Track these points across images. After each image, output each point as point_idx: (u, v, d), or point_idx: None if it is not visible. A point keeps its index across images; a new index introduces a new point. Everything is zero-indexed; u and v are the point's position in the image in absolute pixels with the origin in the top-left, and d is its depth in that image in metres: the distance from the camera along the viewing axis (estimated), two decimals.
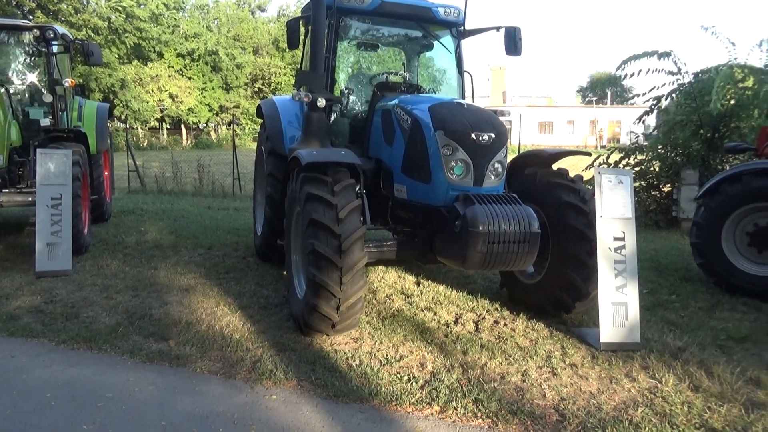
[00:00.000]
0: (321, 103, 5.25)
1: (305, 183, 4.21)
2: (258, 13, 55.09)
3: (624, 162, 10.23)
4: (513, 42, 5.78)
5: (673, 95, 9.54)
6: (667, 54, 8.78)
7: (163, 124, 43.85)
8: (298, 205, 4.45)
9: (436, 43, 6.14)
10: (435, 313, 5.02)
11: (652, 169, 10.17)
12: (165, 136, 41.50)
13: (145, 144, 35.35)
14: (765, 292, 5.58)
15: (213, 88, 45.83)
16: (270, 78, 50.06)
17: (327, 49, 5.57)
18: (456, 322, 4.83)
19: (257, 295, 5.46)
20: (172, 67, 42.54)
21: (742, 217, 5.80)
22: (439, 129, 4.30)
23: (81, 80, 25.10)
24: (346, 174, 4.41)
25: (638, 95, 10.56)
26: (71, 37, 8.38)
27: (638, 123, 10.78)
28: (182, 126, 46.67)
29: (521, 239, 3.96)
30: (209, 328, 4.53)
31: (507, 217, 3.94)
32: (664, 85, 9.53)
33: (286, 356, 4.02)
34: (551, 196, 4.69)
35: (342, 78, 6.65)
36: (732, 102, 8.45)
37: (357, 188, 4.30)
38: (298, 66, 7.05)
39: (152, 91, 40.22)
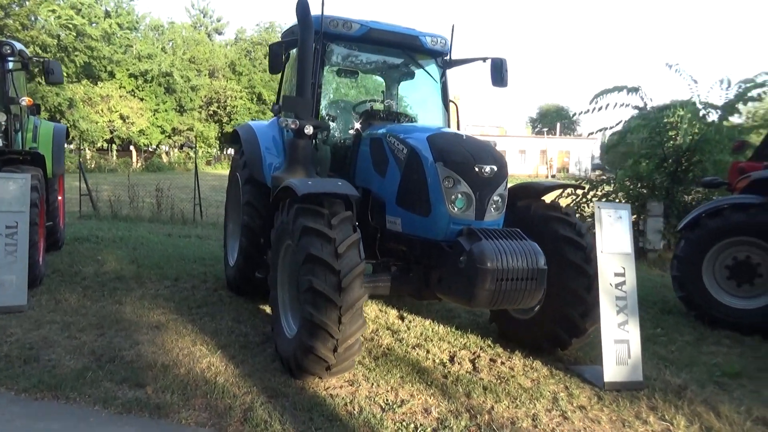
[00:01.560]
0: (309, 130, 5.04)
1: (300, 215, 3.97)
2: (215, 36, 54.59)
3: (591, 194, 10.41)
4: (499, 73, 5.76)
5: (640, 129, 9.80)
6: (635, 89, 9.05)
7: (113, 145, 42.36)
8: (290, 239, 4.19)
9: (420, 71, 6.06)
10: (428, 351, 4.81)
11: (617, 201, 10.38)
12: (114, 158, 40.10)
13: (93, 166, 34.01)
14: (745, 325, 5.65)
15: (166, 110, 44.81)
16: (226, 101, 49.40)
17: (313, 74, 5.39)
18: (452, 360, 4.63)
19: (235, 333, 5.11)
20: (124, 87, 41.39)
21: (721, 250, 5.90)
22: (439, 160, 4.16)
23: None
24: (341, 206, 4.19)
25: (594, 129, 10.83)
26: (28, 53, 7.88)
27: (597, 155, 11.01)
28: (132, 148, 45.29)
29: (529, 276, 3.82)
30: (189, 372, 4.16)
31: (514, 253, 3.80)
32: (631, 118, 9.79)
33: (279, 403, 3.71)
34: (547, 229, 4.60)
35: (323, 105, 6.47)
36: (696, 137, 8.73)
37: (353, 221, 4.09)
38: (276, 91, 6.84)
39: (102, 111, 38.89)
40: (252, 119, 51.23)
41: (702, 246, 5.90)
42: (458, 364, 4.55)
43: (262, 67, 52.63)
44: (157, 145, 47.67)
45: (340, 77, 6.50)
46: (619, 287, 4.25)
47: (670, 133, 9.33)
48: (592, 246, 4.50)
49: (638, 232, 9.93)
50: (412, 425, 3.47)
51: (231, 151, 57.80)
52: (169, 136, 46.74)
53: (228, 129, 50.77)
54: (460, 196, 4.11)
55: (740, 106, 9.07)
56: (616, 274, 4.26)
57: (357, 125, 5.41)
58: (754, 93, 8.89)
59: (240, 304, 6.09)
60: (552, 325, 4.60)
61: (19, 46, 7.50)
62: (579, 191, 10.65)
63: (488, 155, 4.23)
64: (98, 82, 39.81)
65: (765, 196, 5.80)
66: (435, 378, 4.21)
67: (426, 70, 5.99)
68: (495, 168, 4.17)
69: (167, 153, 48.55)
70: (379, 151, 4.91)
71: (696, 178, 9.40)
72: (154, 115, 43.68)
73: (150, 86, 43.36)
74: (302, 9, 4.96)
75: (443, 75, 6.04)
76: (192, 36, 50.32)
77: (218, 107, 49.79)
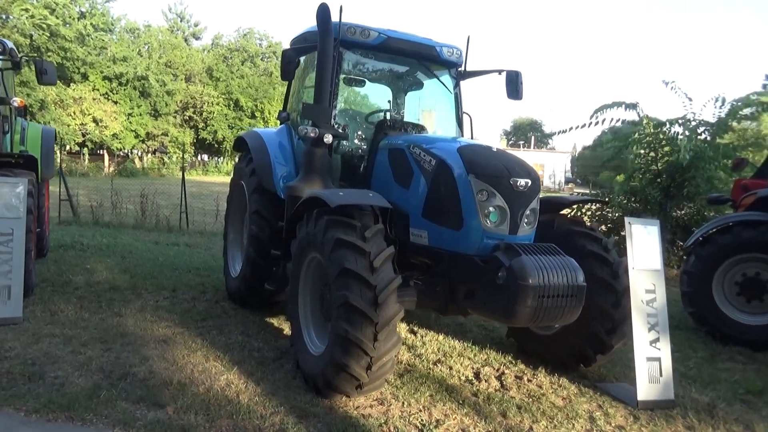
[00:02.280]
0: (328, 138, 4.92)
1: (331, 227, 3.82)
2: (192, 40, 53.90)
3: (585, 208, 10.47)
4: (515, 86, 5.72)
5: (633, 145, 9.92)
6: (633, 106, 9.15)
7: (85, 149, 41.29)
8: (317, 251, 4.03)
9: (434, 82, 5.98)
10: (450, 368, 4.69)
11: (611, 215, 10.46)
12: (86, 162, 39.07)
13: (64, 169, 32.99)
14: (754, 341, 5.69)
15: (141, 114, 43.88)
16: (202, 107, 48.72)
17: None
18: (477, 377, 4.52)
19: (247, 347, 4.91)
20: (98, 90, 40.36)
21: (731, 266, 5.94)
22: (472, 173, 4.05)
23: None
24: (370, 218, 4.06)
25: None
26: (17, 52, 7.55)
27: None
28: (104, 152, 44.22)
29: (569, 293, 3.74)
30: (208, 390, 3.95)
31: (555, 269, 3.72)
32: (602, 132, 9.89)
33: (310, 424, 3.53)
34: (573, 244, 4.53)
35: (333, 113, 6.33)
36: (693, 154, 8.85)
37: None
38: (284, 99, 6.68)
39: (74, 114, 37.86)
40: (229, 126, 50.69)
41: (712, 262, 5.93)
42: (485, 381, 4.44)
43: (239, 73, 52.15)
44: (131, 150, 46.63)
45: (348, 86, 6.38)
46: (650, 304, 4.21)
47: (665, 149, 9.46)
48: (619, 262, 4.46)
49: None
50: None
51: (206, 156, 56.96)
52: (143, 141, 45.77)
53: (204, 135, 50.07)
54: (494, 209, 4.01)
55: (734, 124, 9.26)
56: (647, 291, 4.22)
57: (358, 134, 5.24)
58: (746, 111, 9.09)
59: (246, 316, 5.87)
60: (578, 341, 4.53)
61: (9, 44, 7.18)
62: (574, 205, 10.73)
63: (522, 168, 4.15)
64: (71, 84, 38.75)
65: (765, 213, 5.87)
66: (465, 396, 4.09)
67: (441, 81, 5.91)
68: (529, 182, 4.09)
69: (141, 158, 47.50)
70: (402, 162, 4.79)
71: (689, 194, 9.53)
72: (128, 119, 42.70)
73: (125, 89, 42.42)
74: (323, 15, 4.85)
75: (457, 86, 5.98)
76: (168, 40, 49.52)
77: (194, 112, 49.05)
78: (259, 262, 5.73)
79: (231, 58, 52.89)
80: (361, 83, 6.40)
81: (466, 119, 6.02)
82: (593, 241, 4.54)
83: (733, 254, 5.86)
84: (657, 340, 4.16)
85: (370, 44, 5.45)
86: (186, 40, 52.96)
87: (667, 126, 9.41)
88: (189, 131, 49.58)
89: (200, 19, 74.90)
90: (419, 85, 6.26)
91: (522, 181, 4.05)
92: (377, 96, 6.75)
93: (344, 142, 5.82)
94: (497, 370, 4.70)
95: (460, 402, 3.98)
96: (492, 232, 4.02)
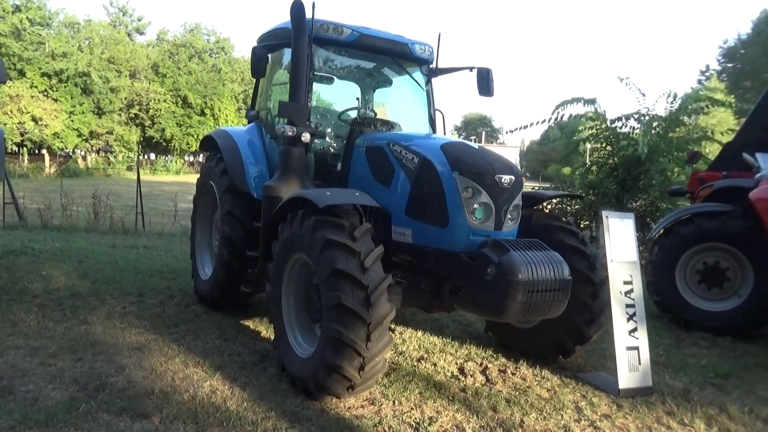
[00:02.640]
0: (306, 137, 4.85)
1: (320, 227, 3.76)
2: (136, 35, 52.07)
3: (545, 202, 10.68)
4: (486, 83, 5.78)
5: (590, 140, 10.22)
6: (592, 101, 9.41)
7: (23, 149, 39.29)
8: (303, 252, 3.97)
9: (406, 79, 5.97)
10: (435, 365, 4.71)
11: (570, 208, 10.74)
12: (26, 162, 37.21)
13: None
14: (715, 327, 5.97)
15: (83, 112, 42.18)
16: (148, 104, 47.25)
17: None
18: (462, 372, 4.55)
19: (227, 352, 4.79)
20: (36, 87, 38.50)
21: (692, 256, 6.21)
22: (457, 170, 4.08)
23: None
24: (356, 217, 4.03)
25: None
26: None
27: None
28: (45, 152, 42.24)
29: (557, 287, 3.81)
30: (193, 398, 3.82)
31: (542, 264, 3.78)
32: (584, 129, 10.17)
33: (303, 428, 3.47)
34: (551, 239, 4.60)
35: None
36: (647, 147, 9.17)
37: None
38: (252, 97, 6.54)
39: (11, 112, 35.97)
40: (177, 123, 49.30)
41: (675, 252, 6.19)
42: (470, 376, 4.48)
43: (186, 70, 50.83)
44: (73, 150, 44.71)
45: (316, 83, 6.29)
46: (628, 295, 4.35)
47: (622, 143, 9.78)
48: (596, 254, 4.59)
49: (591, 239, 10.33)
50: None
51: (153, 155, 55.14)
52: (87, 140, 43.99)
53: (151, 133, 48.60)
54: (479, 206, 4.04)
55: (684, 118, 9.66)
56: (625, 282, 4.36)
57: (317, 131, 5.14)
58: (695, 106, 9.50)
59: (220, 319, 5.73)
60: (558, 333, 4.63)
61: None
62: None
63: (506, 165, 4.21)
64: (6, 81, 36.78)
65: (729, 204, 6.17)
66: (454, 392, 4.12)
67: (413, 78, 5.91)
68: (513, 178, 4.14)
69: (84, 158, 45.62)
70: (381, 160, 4.77)
71: (644, 186, 9.89)
72: (69, 117, 40.97)
73: (65, 86, 40.66)
74: (297, 12, 4.76)
75: (428, 83, 6.00)
76: (111, 35, 47.74)
77: (140, 110, 47.55)
78: (233, 264, 5.60)
79: (177, 53, 51.50)
80: (330, 80, 6.33)
81: (438, 116, 6.07)
82: (570, 235, 4.65)
83: (694, 244, 6.13)
84: (635, 329, 4.30)
85: (343, 41, 5.40)
86: (129, 35, 51.21)
87: (623, 121, 9.73)
88: (135, 129, 48.04)
89: (143, 14, 72.50)
90: (390, 83, 6.25)
91: (506, 178, 4.10)
92: (347, 94, 6.68)
93: (316, 141, 5.75)
94: (480, 365, 4.75)
95: (450, 398, 4.00)
96: (477, 228, 4.06)
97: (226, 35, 57.52)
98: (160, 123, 47.87)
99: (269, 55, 5.93)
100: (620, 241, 4.41)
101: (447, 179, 4.10)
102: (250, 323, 5.70)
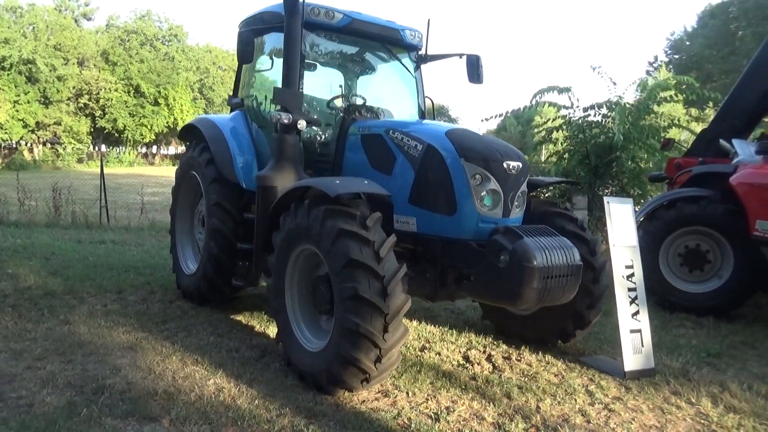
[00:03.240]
0: (302, 125, 4.70)
1: (330, 217, 3.65)
2: (83, 21, 49.83)
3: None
4: (475, 69, 5.75)
5: (564, 127, 10.35)
6: (567, 89, 9.53)
7: None
8: (310, 243, 3.85)
9: (396, 66, 5.88)
10: (438, 354, 4.68)
11: (545, 194, 10.89)
12: None
13: None
14: (698, 308, 6.16)
15: (29, 102, 40.20)
16: (98, 93, 45.43)
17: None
18: (468, 361, 4.54)
19: (224, 348, 4.62)
20: None
21: (674, 239, 6.38)
22: (464, 157, 4.02)
23: None
24: (365, 206, 3.93)
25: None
26: None
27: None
28: None
29: (569, 272, 3.83)
30: (200, 397, 3.67)
31: (555, 249, 3.79)
32: (556, 118, 10.31)
33: (322, 423, 3.38)
34: (551, 225, 4.60)
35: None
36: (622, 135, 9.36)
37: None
38: (234, 83, 6.31)
39: None
40: (130, 114, 47.55)
41: (659, 236, 6.34)
42: (477, 364, 4.47)
43: (138, 57, 49.07)
44: (19, 141, 42.58)
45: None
46: (630, 279, 4.41)
47: (594, 131, 9.95)
48: (595, 240, 4.64)
49: None
50: None
51: (104, 147, 53.03)
52: (33, 131, 41.99)
53: (102, 123, 46.80)
54: (488, 193, 4.01)
55: (654, 106, 9.90)
56: (627, 267, 4.43)
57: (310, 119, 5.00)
58: (665, 95, 9.76)
59: (209, 315, 5.54)
60: (559, 318, 4.66)
61: None
62: None
63: (513, 151, 4.19)
64: None
65: (707, 189, 6.36)
66: (464, 381, 4.10)
67: (403, 64, 5.83)
68: (520, 164, 4.13)
69: (31, 150, 43.54)
70: (379, 147, 4.67)
71: (616, 173, 10.12)
72: (14, 107, 38.97)
73: (9, 75, 38.62)
74: None
75: (418, 69, 5.93)
76: (57, 20, 45.49)
77: (90, 99, 45.66)
78: (222, 258, 5.42)
79: (129, 40, 49.63)
80: (313, 67, 6.16)
81: (427, 103, 6.01)
82: (569, 220, 4.68)
83: (676, 228, 6.29)
84: (637, 312, 4.38)
85: (334, 26, 5.26)
86: (76, 21, 48.94)
87: (596, 109, 9.89)
88: (85, 120, 46.12)
89: None
90: (375, 69, 6.13)
91: (514, 164, 4.08)
92: (330, 81, 6.53)
93: (305, 129, 5.60)
94: (484, 353, 4.75)
95: (463, 387, 3.98)
96: (486, 216, 4.03)
97: (178, 23, 55.46)
98: (112, 113, 46.08)
99: (255, 40, 5.71)
100: (621, 226, 4.48)
101: (454, 166, 4.05)
102: (241, 318, 5.54)
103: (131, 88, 47.35)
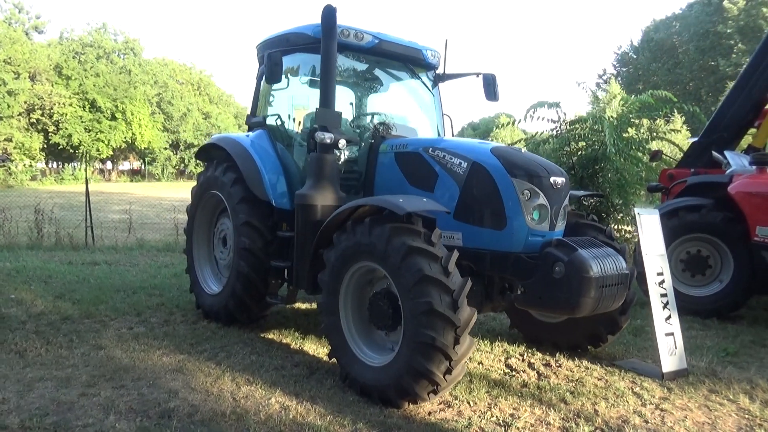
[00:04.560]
0: (342, 144, 4.82)
1: (397, 235, 3.76)
2: (34, 34, 48.20)
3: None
4: (492, 88, 5.99)
5: (550, 140, 10.74)
6: (557, 104, 9.92)
7: None
8: (372, 260, 3.95)
9: (418, 85, 6.05)
10: (481, 363, 4.83)
11: None
12: None
13: None
14: (701, 311, 6.53)
15: None
16: (52, 108, 43.96)
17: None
18: (512, 369, 4.71)
19: (270, 367, 4.64)
20: None
21: (677, 246, 6.75)
22: (513, 173, 4.21)
23: None
24: (420, 223, 4.06)
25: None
26: None
27: None
28: None
29: (620, 281, 4.06)
30: (269, 417, 3.69)
31: (606, 259, 4.01)
32: (545, 131, 10.70)
33: None
34: (582, 236, 4.86)
35: (301, 116, 6.15)
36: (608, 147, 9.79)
37: None
38: (252, 102, 6.35)
39: None
40: (86, 129, 46.12)
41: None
42: (522, 372, 4.64)
43: (94, 71, 47.79)
44: None
45: (313, 88, 6.22)
46: (661, 285, 4.69)
47: (580, 144, 10.37)
48: (624, 248, 4.89)
49: None
50: None
51: (55, 164, 51.21)
52: None
53: (56, 139, 45.27)
54: (537, 208, 4.21)
55: (635, 120, 10.41)
56: (658, 274, 4.70)
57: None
58: (651, 112, 10.26)
59: (240, 334, 5.53)
60: (591, 324, 4.88)
61: None
62: None
63: (556, 168, 4.40)
64: None
65: (703, 198, 6.77)
66: (517, 388, 4.25)
67: (425, 84, 6.02)
68: (564, 180, 4.35)
69: None
70: (418, 165, 4.81)
71: (601, 184, 10.55)
72: None
73: None
74: (329, 17, 4.73)
75: (435, 87, 6.12)
76: (6, 33, 43.84)
77: (42, 115, 44.13)
78: (253, 276, 5.43)
79: (84, 53, 48.24)
80: (316, 85, 6.25)
81: (447, 121, 6.20)
82: (599, 231, 4.92)
83: (679, 235, 6.66)
84: (669, 317, 4.65)
85: (363, 47, 5.40)
86: (27, 34, 47.26)
87: (581, 123, 10.32)
88: (37, 135, 44.48)
89: (41, 11, 67.26)
90: (402, 88, 6.27)
91: (559, 180, 4.30)
92: (358, 99, 6.60)
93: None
94: (523, 360, 4.93)
95: (518, 395, 4.13)
96: (534, 229, 4.22)
97: (134, 36, 54.29)
98: (66, 128, 44.62)
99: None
100: (651, 235, 4.75)
101: (503, 183, 4.22)
102: (273, 336, 5.55)
103: (87, 103, 46.04)
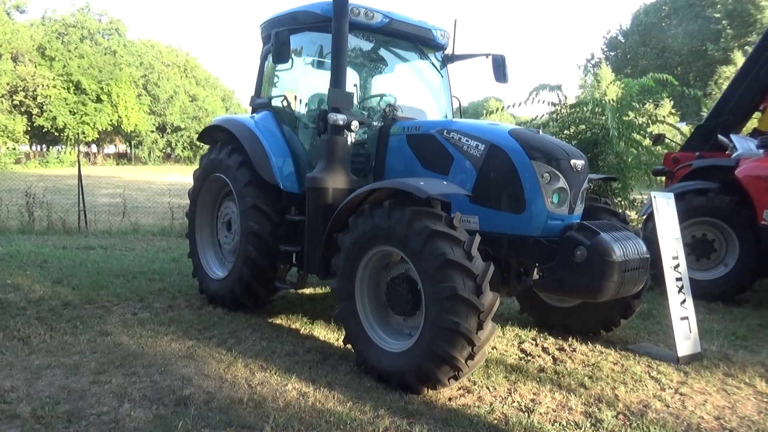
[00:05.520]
0: (355, 125, 4.71)
1: (418, 218, 3.68)
2: (15, 13, 46.99)
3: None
4: (501, 69, 5.88)
5: (551, 123, 10.68)
6: (558, 87, 9.85)
7: None
8: (391, 244, 3.87)
9: (427, 65, 5.93)
10: (495, 348, 4.79)
11: None
12: None
13: None
14: (707, 294, 6.54)
15: None
16: (35, 90, 43.07)
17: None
18: (527, 354, 4.68)
19: (282, 353, 4.57)
20: None
21: (683, 230, 6.70)
22: (533, 156, 4.13)
23: None
24: (439, 206, 3.98)
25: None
26: None
27: None
28: None
29: (641, 265, 4.02)
30: (288, 404, 3.62)
31: (627, 242, 3.97)
32: (545, 115, 10.64)
33: (423, 423, 3.39)
34: (595, 219, 4.82)
35: (307, 97, 6.02)
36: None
37: None
38: (256, 83, 6.19)
39: None
40: (71, 111, 45.23)
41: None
42: (537, 357, 4.62)
43: (78, 52, 46.81)
44: None
45: (319, 69, 6.07)
46: (677, 269, 4.67)
47: (580, 127, 10.32)
48: (638, 232, 4.85)
49: None
50: (566, 423, 3.45)
51: (40, 147, 50.23)
52: None
53: (40, 122, 44.44)
54: (557, 191, 4.14)
55: (635, 104, 10.37)
56: (673, 258, 4.67)
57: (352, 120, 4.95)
58: (651, 96, 10.22)
59: (247, 320, 5.44)
60: (605, 308, 4.86)
61: None
62: None
63: (575, 151, 4.33)
64: None
65: (709, 182, 6.76)
66: (534, 373, 4.23)
67: (434, 64, 5.90)
68: (584, 162, 4.28)
69: None
70: (432, 147, 4.71)
71: (600, 167, 10.52)
72: None
73: None
74: None
75: (444, 68, 6.01)
76: None
77: (26, 96, 43.21)
78: (260, 261, 5.33)
79: (67, 34, 47.19)
80: (323, 65, 6.12)
81: (454, 102, 6.09)
82: (613, 215, 4.88)
83: (686, 219, 6.63)
84: (684, 301, 4.63)
85: (373, 26, 5.27)
86: (8, 14, 46.06)
87: (581, 106, 10.26)
88: (21, 118, 43.60)
89: None
90: (411, 69, 6.14)
91: (579, 163, 4.23)
92: (366, 80, 6.44)
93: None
94: (536, 345, 4.90)
95: (537, 380, 4.10)
96: (554, 213, 4.15)
97: (118, 16, 53.15)
98: (51, 111, 43.76)
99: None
100: (666, 219, 4.72)
101: (523, 165, 4.14)
102: (280, 321, 5.47)
103: (71, 85, 45.13)
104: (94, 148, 56.59)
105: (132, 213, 13.33)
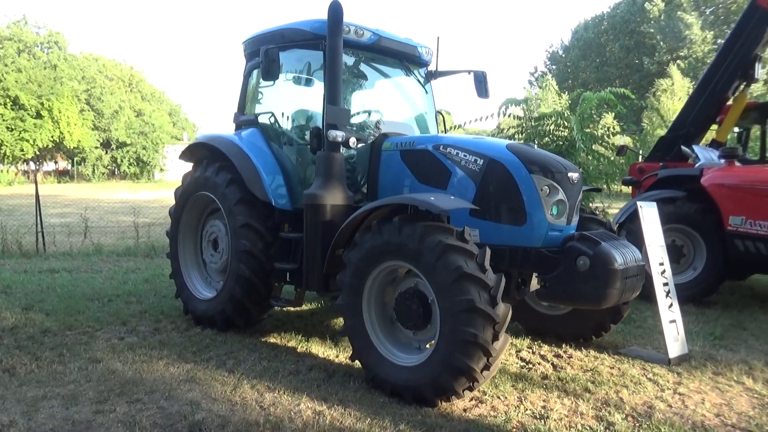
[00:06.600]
0: (353, 142, 4.75)
1: (431, 233, 3.73)
2: None
3: None
4: (483, 85, 6.05)
5: (516, 136, 11.01)
6: (525, 101, 10.18)
7: None
8: (401, 259, 3.91)
9: (412, 82, 6.02)
10: None
11: None
12: None
13: None
14: (678, 297, 6.86)
15: None
16: None
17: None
18: (527, 362, 4.79)
19: (285, 372, 4.50)
20: None
21: None
22: (532, 170, 4.27)
23: None
24: (447, 220, 4.05)
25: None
26: None
27: None
28: None
29: (638, 272, 4.21)
30: (305, 424, 3.57)
31: (625, 251, 4.14)
32: (511, 128, 10.96)
33: None
34: (584, 229, 5.01)
35: (292, 113, 6.01)
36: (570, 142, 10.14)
37: None
38: (239, 100, 6.13)
39: None
40: (8, 128, 43.02)
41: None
42: (538, 364, 4.73)
43: (15, 66, 44.70)
44: None
45: (298, 84, 6.08)
46: (663, 275, 4.90)
47: (545, 140, 10.68)
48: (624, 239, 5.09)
49: None
50: (581, 427, 3.57)
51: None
52: None
53: None
54: (556, 203, 4.29)
55: (594, 116, 10.84)
56: (660, 264, 4.91)
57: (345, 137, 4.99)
58: (611, 107, 10.73)
59: (241, 340, 5.34)
60: (597, 314, 5.04)
61: None
62: None
63: (570, 164, 4.50)
64: None
65: (675, 191, 7.13)
66: (539, 381, 4.33)
67: (419, 81, 6.01)
68: (578, 175, 4.46)
69: None
70: (428, 162, 4.79)
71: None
72: None
73: None
74: (336, 13, 4.65)
75: (428, 84, 6.13)
76: None
77: None
78: (254, 279, 5.26)
79: (2, 48, 45.03)
80: (309, 82, 6.15)
81: (439, 118, 6.22)
82: (599, 224, 5.09)
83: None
84: (671, 304, 4.87)
85: (362, 44, 5.34)
86: None
87: (545, 119, 10.64)
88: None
89: None
90: (397, 85, 6.22)
91: (575, 176, 4.40)
92: (355, 96, 6.46)
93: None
94: (534, 353, 5.02)
95: (544, 387, 4.21)
96: (554, 224, 4.30)
97: (57, 29, 51.18)
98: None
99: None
100: (652, 227, 4.96)
101: (523, 179, 4.27)
102: (275, 340, 5.40)
103: (8, 100, 42.94)
104: (32, 165, 54.01)
105: (89, 233, 12.83)
